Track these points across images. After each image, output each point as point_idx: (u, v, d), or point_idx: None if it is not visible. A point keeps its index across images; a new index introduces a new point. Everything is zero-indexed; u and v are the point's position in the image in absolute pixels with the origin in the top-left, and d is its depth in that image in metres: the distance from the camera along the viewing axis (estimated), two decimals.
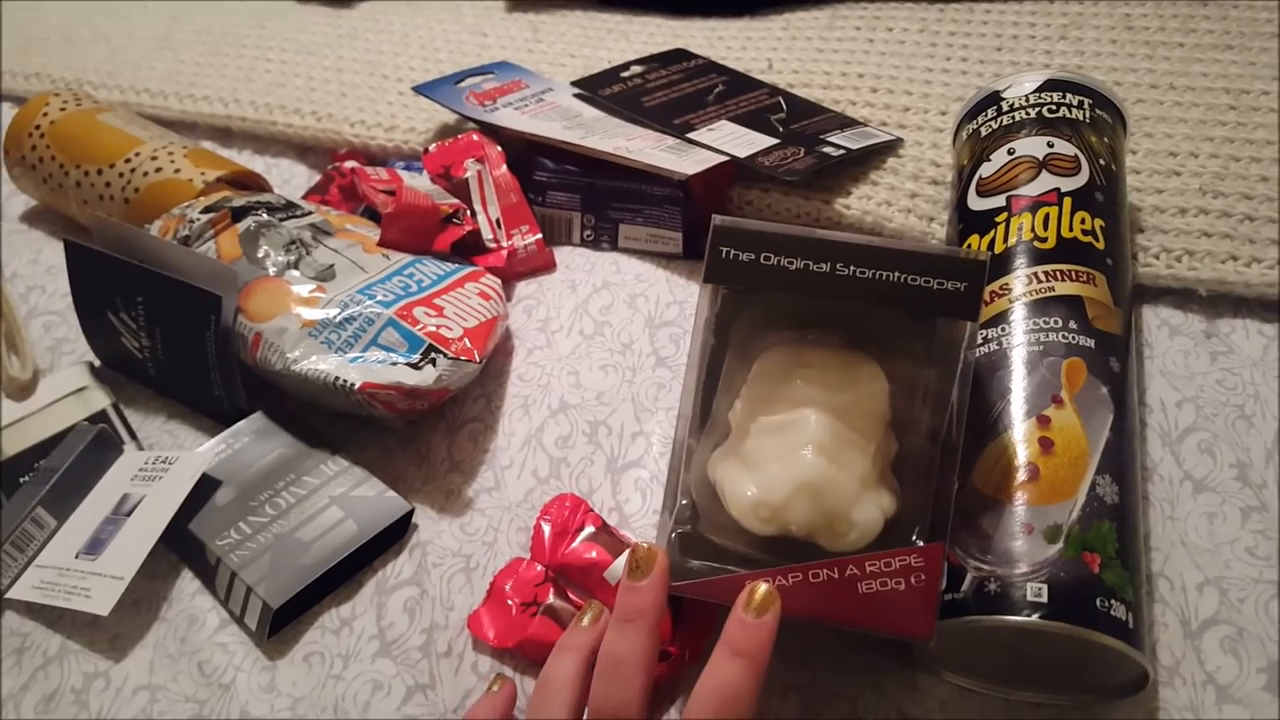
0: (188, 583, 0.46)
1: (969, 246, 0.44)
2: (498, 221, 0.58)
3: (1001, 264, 0.42)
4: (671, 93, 0.63)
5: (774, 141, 0.57)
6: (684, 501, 0.38)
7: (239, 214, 0.52)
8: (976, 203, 0.45)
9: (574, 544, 0.43)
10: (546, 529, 0.44)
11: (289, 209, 0.54)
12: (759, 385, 0.38)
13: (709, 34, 0.70)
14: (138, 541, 0.45)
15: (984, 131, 0.48)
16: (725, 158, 0.55)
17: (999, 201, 0.44)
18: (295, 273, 0.50)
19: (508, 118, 0.61)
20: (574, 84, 0.65)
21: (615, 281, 0.56)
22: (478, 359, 0.47)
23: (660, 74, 0.65)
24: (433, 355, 0.46)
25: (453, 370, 0.46)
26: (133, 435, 0.52)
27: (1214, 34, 0.62)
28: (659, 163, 0.54)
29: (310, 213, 0.54)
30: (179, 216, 0.53)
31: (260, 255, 0.50)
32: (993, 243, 0.42)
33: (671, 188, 0.55)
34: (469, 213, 0.57)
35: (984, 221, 0.44)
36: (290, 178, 0.66)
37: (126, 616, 0.45)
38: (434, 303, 0.49)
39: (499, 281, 0.53)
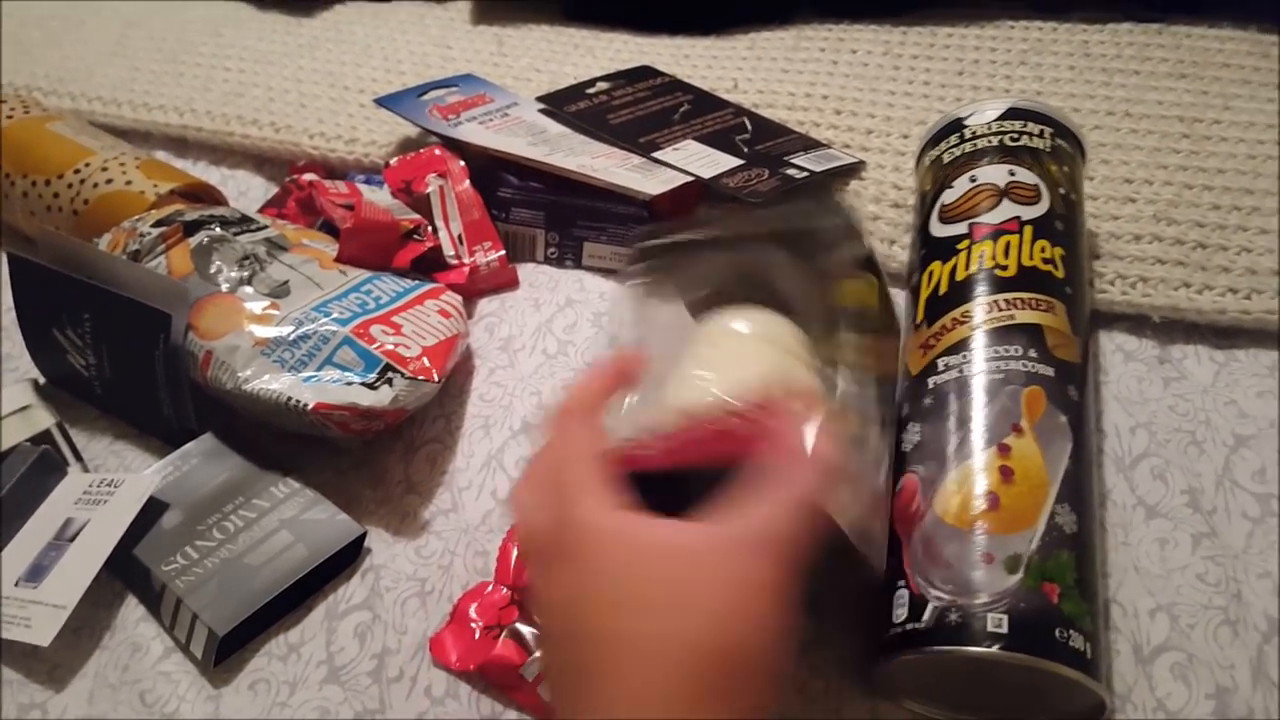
0: (132, 610, 0.44)
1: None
2: (460, 238, 0.57)
3: (963, 291, 0.42)
4: (637, 110, 0.63)
5: (739, 162, 0.57)
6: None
7: (191, 228, 0.51)
8: (939, 229, 0.45)
9: None
10: (515, 551, 0.43)
11: (244, 223, 0.53)
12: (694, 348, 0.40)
13: (675, 52, 0.70)
14: (81, 568, 0.43)
15: (946, 158, 0.48)
16: (690, 178, 0.55)
17: (961, 228, 0.44)
18: (248, 289, 0.49)
19: (471, 132, 0.60)
20: (539, 99, 0.64)
21: (579, 300, 0.55)
22: (436, 379, 0.46)
23: (626, 91, 0.65)
24: (389, 375, 0.45)
25: (410, 390, 0.45)
26: (78, 456, 0.50)
27: (1168, 62, 0.63)
28: (624, 182, 0.54)
29: (265, 227, 0.53)
30: (129, 230, 0.52)
31: (213, 271, 0.49)
32: (954, 270, 0.43)
33: (636, 207, 0.55)
34: (430, 228, 0.56)
35: (946, 248, 0.44)
36: (247, 190, 0.65)
37: (66, 645, 0.43)
38: (392, 320, 0.48)
39: (460, 299, 0.53)
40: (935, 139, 0.50)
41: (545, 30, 0.73)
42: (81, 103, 0.69)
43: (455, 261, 0.56)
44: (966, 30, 0.68)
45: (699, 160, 0.57)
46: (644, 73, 0.67)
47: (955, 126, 0.49)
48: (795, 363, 0.38)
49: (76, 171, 0.57)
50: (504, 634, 0.40)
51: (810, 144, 0.60)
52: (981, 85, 0.64)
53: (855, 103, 0.63)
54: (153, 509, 0.45)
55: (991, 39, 0.67)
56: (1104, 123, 0.59)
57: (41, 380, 0.54)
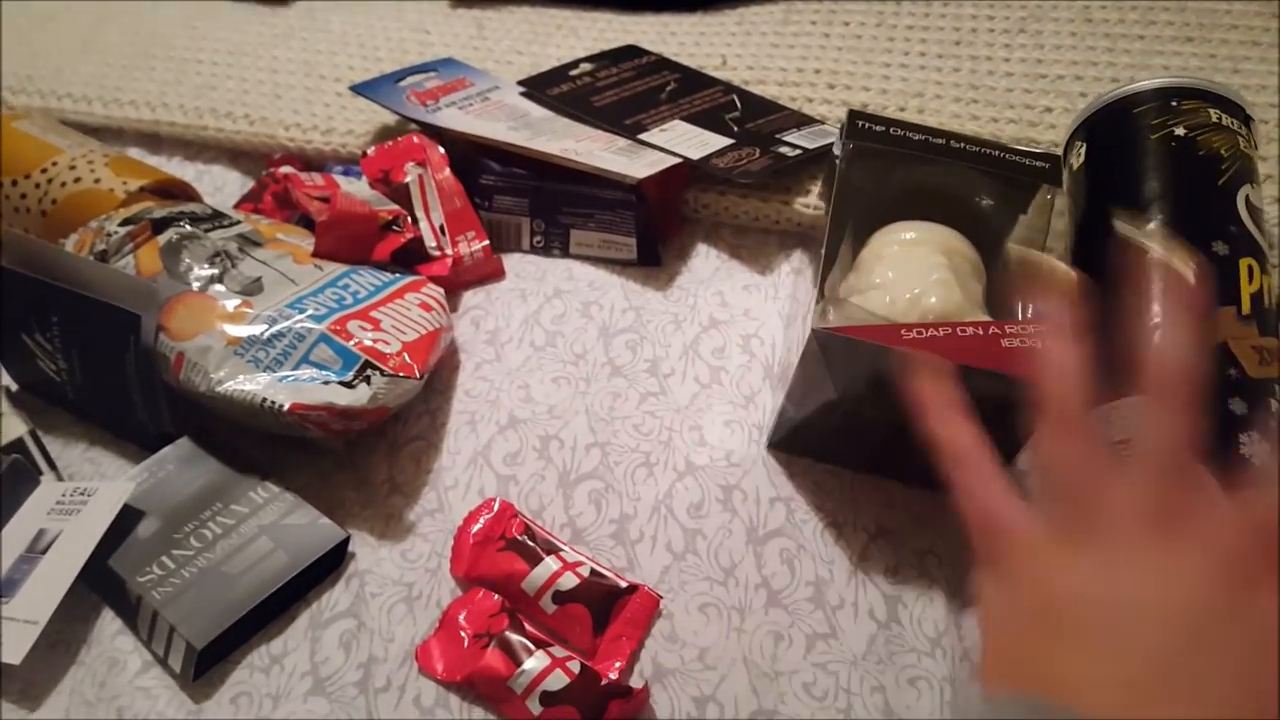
0: (108, 623, 0.43)
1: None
2: (441, 228, 0.55)
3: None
4: (622, 91, 0.61)
5: (729, 142, 0.55)
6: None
7: (160, 225, 0.49)
8: (1249, 222, 0.40)
9: (494, 554, 0.42)
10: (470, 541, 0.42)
11: (215, 219, 0.51)
12: (875, 240, 0.44)
13: (661, 29, 0.68)
14: (53, 582, 0.41)
15: (1243, 145, 0.43)
16: (678, 160, 0.53)
17: (1262, 243, 0.41)
18: (220, 287, 0.47)
19: (451, 118, 0.58)
20: (520, 83, 0.62)
21: (567, 289, 0.53)
22: (418, 375, 0.44)
23: (610, 72, 0.62)
24: (368, 372, 0.43)
25: (390, 388, 0.43)
26: (51, 465, 0.49)
27: (1173, 25, 0.61)
28: (609, 166, 0.52)
29: (238, 222, 0.51)
30: (97, 229, 0.50)
31: (183, 269, 0.47)
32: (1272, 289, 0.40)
33: (624, 191, 0.53)
34: (410, 219, 0.54)
35: (1258, 253, 0.40)
36: (223, 185, 0.63)
37: (41, 662, 0.42)
38: (370, 315, 0.46)
39: (441, 291, 0.51)
40: (1230, 107, 0.44)
41: (527, 11, 0.71)
42: (51, 100, 0.67)
43: (437, 253, 0.54)
44: None
45: (687, 141, 0.55)
46: (629, 52, 0.65)
47: (1237, 110, 0.44)
48: (964, 266, 0.42)
49: (44, 171, 0.55)
50: (492, 643, 0.39)
51: (803, 120, 0.58)
52: (980, 55, 0.61)
53: (849, 76, 0.61)
54: (128, 518, 0.44)
55: (989, 6, 0.65)
56: (1108, 89, 0.57)
57: (14, 387, 0.52)
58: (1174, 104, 0.43)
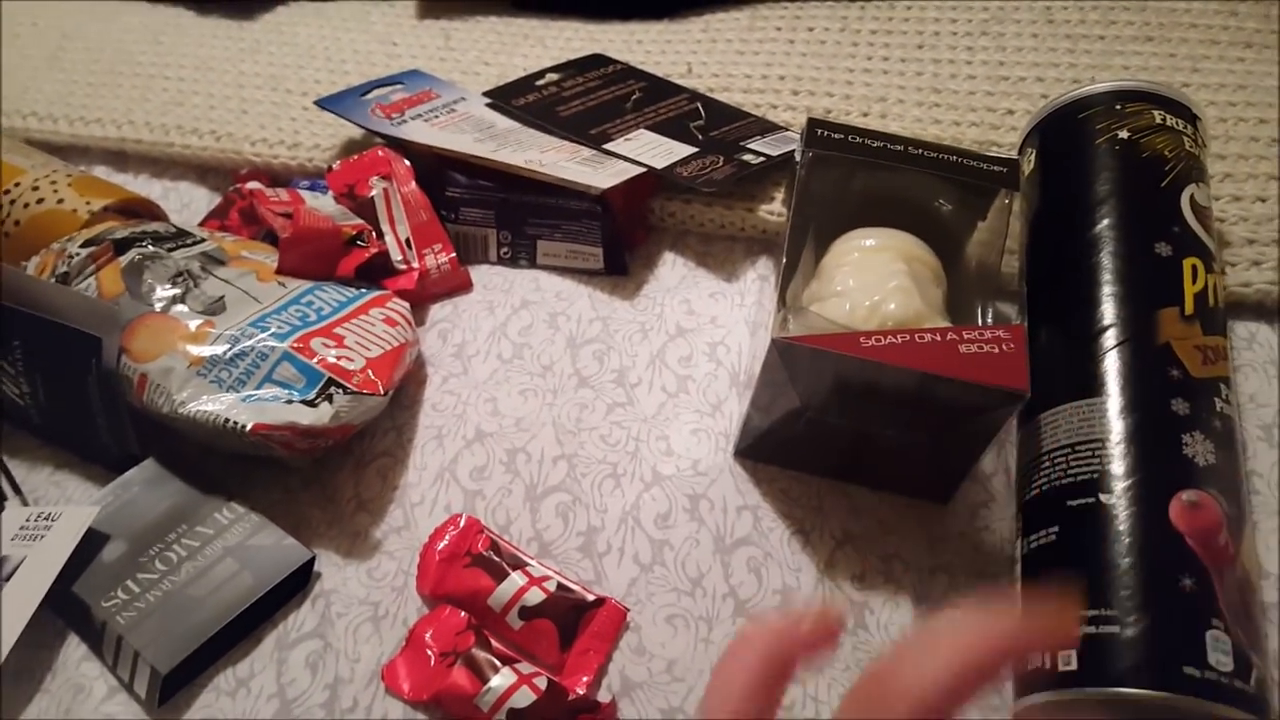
0: (74, 649, 0.42)
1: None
2: (408, 241, 0.55)
3: (1220, 320, 0.40)
4: (588, 101, 0.61)
5: (693, 150, 0.55)
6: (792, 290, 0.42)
7: (122, 246, 0.49)
8: (1196, 226, 0.41)
9: (460, 570, 0.42)
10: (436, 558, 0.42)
11: (179, 238, 0.51)
12: (836, 248, 0.44)
13: (628, 37, 0.68)
14: (16, 610, 0.41)
15: (1189, 145, 0.43)
16: (643, 169, 0.53)
17: (1211, 244, 0.41)
18: (182, 307, 0.46)
19: (416, 131, 0.58)
20: (486, 94, 0.62)
21: (535, 300, 0.53)
22: (382, 391, 0.44)
23: (577, 81, 0.63)
24: (330, 390, 0.43)
25: (353, 405, 0.43)
26: (16, 489, 0.48)
27: (1133, 25, 0.61)
28: (573, 176, 0.52)
29: (203, 240, 0.51)
30: (58, 251, 0.50)
31: (144, 290, 0.47)
32: (1215, 289, 0.40)
33: (590, 202, 0.53)
34: (376, 233, 0.54)
35: (1204, 253, 0.40)
36: (190, 202, 0.63)
37: (5, 690, 0.41)
38: (334, 332, 0.46)
39: (407, 306, 0.51)
40: (1175, 108, 0.45)
41: (494, 21, 0.71)
42: (16, 120, 0.67)
43: (404, 266, 0.54)
44: (926, 2, 0.66)
45: (652, 150, 0.55)
46: (595, 61, 0.65)
47: (1182, 110, 0.45)
48: (924, 273, 0.42)
49: (6, 192, 0.55)
50: (459, 661, 0.39)
51: (767, 127, 0.58)
52: (942, 58, 0.62)
53: (813, 82, 0.61)
54: (93, 541, 0.44)
55: (951, 9, 0.65)
56: (1069, 90, 0.57)
57: None
58: (1119, 107, 0.44)
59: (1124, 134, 0.43)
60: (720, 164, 0.53)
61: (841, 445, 0.43)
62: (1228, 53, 0.58)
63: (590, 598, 0.41)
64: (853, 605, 0.41)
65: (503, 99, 0.61)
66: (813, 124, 0.46)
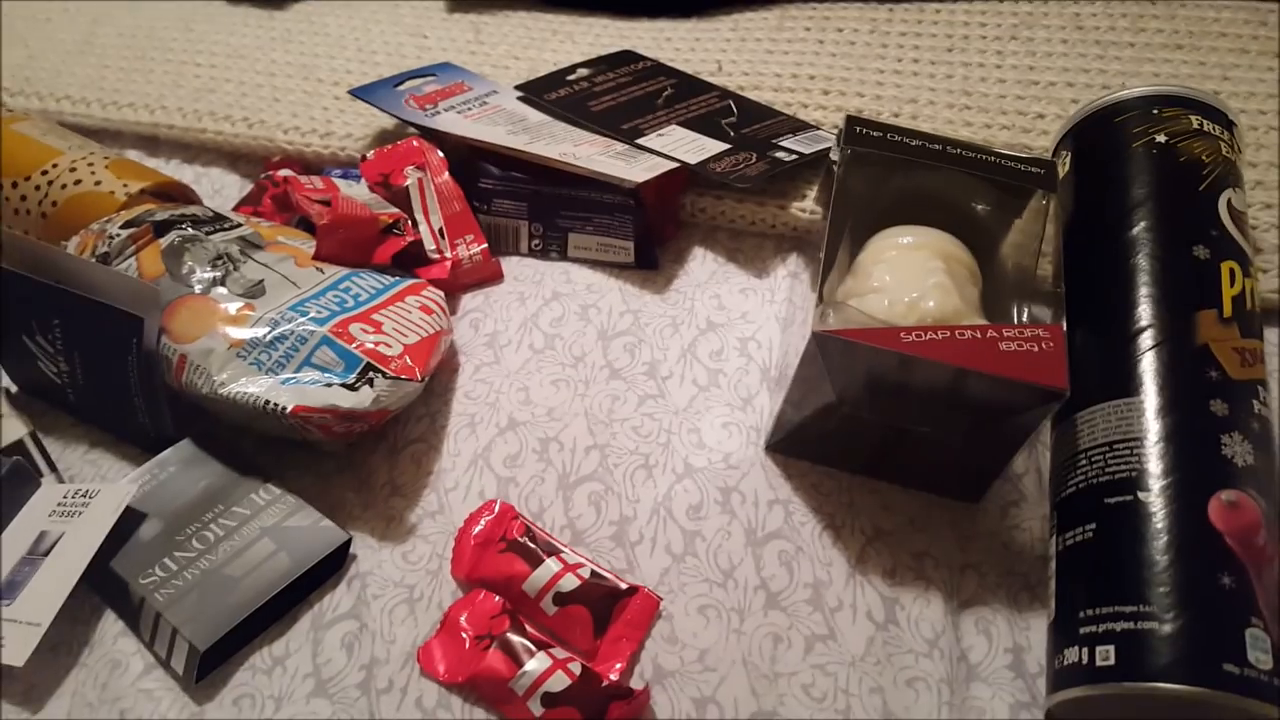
0: (110, 625, 0.43)
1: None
2: (440, 231, 0.55)
3: (1257, 323, 0.40)
4: (619, 96, 0.61)
5: (725, 147, 0.55)
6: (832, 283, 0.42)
7: (162, 228, 0.49)
8: (1233, 229, 0.41)
9: (495, 555, 0.42)
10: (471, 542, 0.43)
11: (216, 221, 0.51)
12: (873, 245, 0.45)
13: (656, 35, 0.68)
14: (56, 584, 0.42)
15: (1225, 150, 0.44)
16: (676, 164, 0.54)
17: (1246, 248, 0.41)
18: (222, 289, 0.47)
19: (450, 122, 0.58)
20: (518, 88, 0.62)
21: (565, 292, 0.54)
22: (419, 377, 0.45)
23: (608, 77, 0.63)
24: (370, 375, 0.43)
25: (392, 390, 0.44)
26: (52, 467, 0.49)
27: (1163, 33, 0.62)
28: (607, 170, 0.52)
29: (240, 225, 0.51)
30: (98, 232, 0.50)
31: (184, 272, 0.47)
32: (1253, 292, 0.40)
33: (622, 195, 0.53)
34: (410, 223, 0.55)
35: (1240, 257, 0.41)
36: (221, 188, 0.63)
37: (43, 664, 0.42)
38: (371, 318, 0.47)
39: (442, 295, 0.51)
40: (1212, 114, 0.45)
41: (523, 16, 0.71)
42: (50, 102, 0.67)
43: (437, 256, 0.55)
44: (955, 6, 0.67)
45: (684, 146, 0.55)
46: (625, 57, 0.65)
47: (1219, 115, 0.45)
48: (961, 271, 0.43)
49: (44, 173, 0.56)
50: (494, 645, 0.39)
51: (798, 125, 0.58)
52: (972, 61, 0.62)
53: (843, 82, 0.62)
54: (130, 520, 0.44)
55: (981, 13, 0.66)
56: (1100, 96, 0.58)
57: (14, 389, 0.53)
58: (1155, 111, 0.44)
59: (1161, 138, 0.43)
60: (753, 161, 0.54)
61: (874, 441, 0.43)
62: (1258, 61, 0.59)
63: (624, 586, 0.41)
64: (884, 601, 0.41)
65: (535, 93, 0.61)
66: (851, 122, 0.46)
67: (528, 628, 0.40)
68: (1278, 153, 0.53)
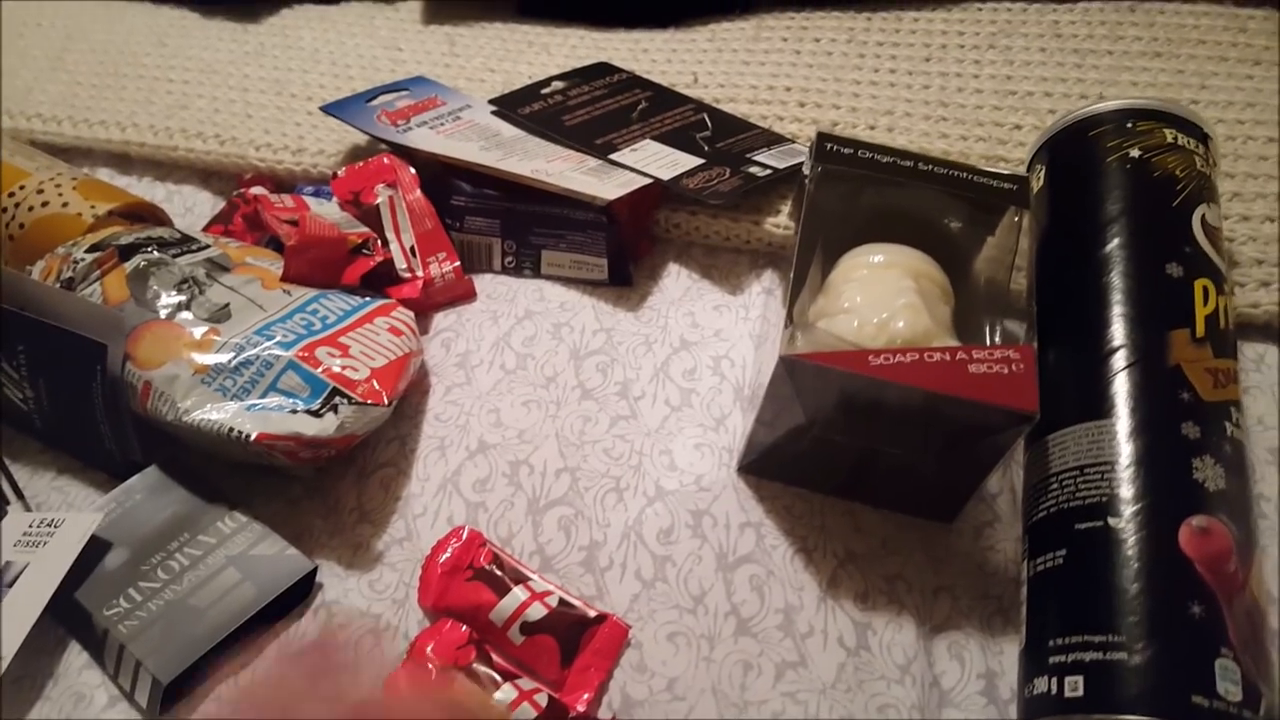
0: (75, 656, 0.42)
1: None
2: (412, 249, 0.55)
3: (1229, 343, 0.39)
4: (594, 110, 0.60)
5: (699, 162, 0.55)
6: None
7: (127, 252, 0.49)
8: (1207, 246, 0.41)
9: (462, 584, 0.41)
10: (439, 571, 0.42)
11: (184, 243, 0.50)
12: (844, 263, 0.44)
13: (633, 46, 0.68)
14: (19, 617, 0.41)
15: (1200, 165, 0.43)
16: (649, 180, 0.53)
17: (1221, 265, 0.41)
18: (187, 314, 0.46)
19: (422, 138, 0.58)
20: (492, 102, 0.62)
21: (539, 310, 0.53)
22: (386, 402, 0.44)
23: (582, 90, 0.62)
24: (335, 400, 0.43)
25: (358, 416, 0.43)
26: (19, 494, 0.48)
27: (1141, 40, 0.61)
28: (579, 187, 0.52)
29: (208, 246, 0.51)
30: (63, 256, 0.50)
31: (149, 296, 0.47)
32: (1226, 311, 0.40)
33: (595, 212, 0.53)
34: (381, 241, 0.54)
35: (1214, 275, 0.40)
36: (193, 205, 0.63)
37: (7, 697, 0.41)
38: (339, 341, 0.46)
39: (411, 315, 0.50)
40: (1187, 127, 0.45)
41: (499, 28, 0.71)
42: (20, 121, 0.67)
43: (408, 274, 0.54)
44: (933, 14, 0.66)
45: (658, 161, 0.55)
46: (601, 70, 0.65)
47: (1194, 129, 0.45)
48: (932, 290, 0.42)
49: (10, 195, 0.55)
50: (460, 675, 0.38)
51: (773, 139, 0.58)
52: (950, 71, 0.62)
53: (819, 94, 0.61)
54: (95, 549, 0.43)
55: (959, 22, 0.65)
56: (1077, 105, 0.57)
57: None
58: (1130, 125, 0.44)
59: (1135, 152, 0.43)
60: (727, 176, 0.53)
61: (846, 463, 0.42)
62: (1236, 69, 0.58)
63: (592, 614, 0.41)
64: (855, 626, 0.41)
65: (508, 107, 0.61)
66: (822, 138, 0.46)
67: (495, 658, 0.40)
68: (1255, 162, 0.52)
